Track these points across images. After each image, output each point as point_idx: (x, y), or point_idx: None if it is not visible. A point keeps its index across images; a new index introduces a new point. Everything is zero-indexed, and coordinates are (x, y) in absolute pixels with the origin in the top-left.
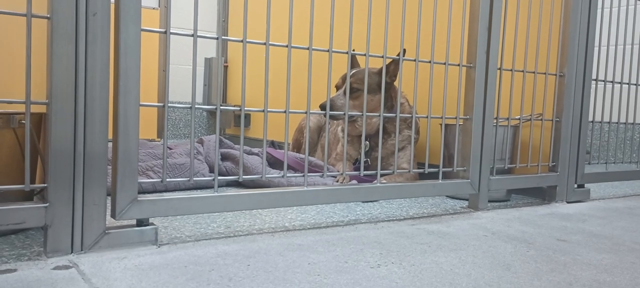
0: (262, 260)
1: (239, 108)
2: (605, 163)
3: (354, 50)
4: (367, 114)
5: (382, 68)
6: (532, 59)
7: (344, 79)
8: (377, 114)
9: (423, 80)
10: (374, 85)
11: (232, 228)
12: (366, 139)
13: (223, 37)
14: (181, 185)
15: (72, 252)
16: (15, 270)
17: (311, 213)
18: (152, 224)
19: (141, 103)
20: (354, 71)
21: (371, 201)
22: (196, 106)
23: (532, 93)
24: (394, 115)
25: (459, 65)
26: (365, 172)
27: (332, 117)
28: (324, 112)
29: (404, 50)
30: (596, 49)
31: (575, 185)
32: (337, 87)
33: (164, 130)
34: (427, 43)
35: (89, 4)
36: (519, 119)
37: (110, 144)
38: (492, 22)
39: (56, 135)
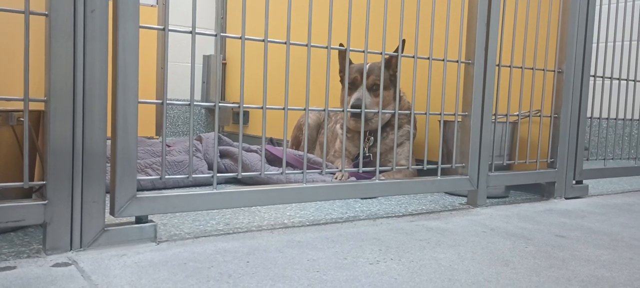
0: (261, 256)
1: (237, 105)
2: (604, 159)
3: (346, 46)
4: (383, 111)
5: (386, 61)
6: (531, 55)
7: (359, 72)
8: (390, 110)
9: (422, 76)
10: (387, 80)
11: (231, 225)
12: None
13: (221, 34)
14: (180, 183)
15: (71, 249)
16: (14, 268)
17: (310, 210)
18: (151, 221)
19: (140, 100)
20: (367, 66)
21: (370, 198)
22: (195, 103)
23: (531, 89)
24: (393, 111)
25: (457, 61)
26: (363, 169)
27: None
28: (358, 110)
29: (404, 41)
30: (594, 45)
31: (574, 182)
32: (355, 82)
33: (163, 127)
34: (426, 39)
35: (87, 1)
36: (518, 115)
37: (109, 142)
38: (491, 18)
39: (55, 132)
